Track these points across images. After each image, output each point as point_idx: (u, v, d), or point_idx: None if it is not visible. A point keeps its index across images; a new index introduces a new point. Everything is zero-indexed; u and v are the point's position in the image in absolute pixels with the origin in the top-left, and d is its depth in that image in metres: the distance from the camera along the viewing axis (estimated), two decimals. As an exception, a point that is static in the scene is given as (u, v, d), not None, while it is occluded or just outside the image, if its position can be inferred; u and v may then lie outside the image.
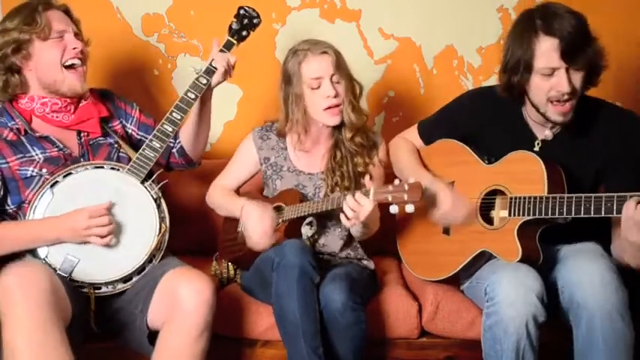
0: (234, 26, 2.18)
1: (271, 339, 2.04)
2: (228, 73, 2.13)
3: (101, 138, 2.08)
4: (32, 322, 1.61)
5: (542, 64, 1.82)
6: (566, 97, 1.83)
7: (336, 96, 2.10)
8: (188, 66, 2.66)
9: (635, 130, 1.92)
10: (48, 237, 1.85)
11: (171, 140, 2.13)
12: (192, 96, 2.07)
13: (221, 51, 2.15)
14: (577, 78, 1.83)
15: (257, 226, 2.06)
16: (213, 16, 2.68)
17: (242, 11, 2.19)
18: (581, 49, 1.79)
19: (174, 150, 2.25)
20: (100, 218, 1.83)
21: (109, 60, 2.68)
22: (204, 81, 2.09)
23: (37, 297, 1.62)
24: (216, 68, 2.10)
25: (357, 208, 1.87)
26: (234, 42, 2.18)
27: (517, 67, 1.86)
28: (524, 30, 1.85)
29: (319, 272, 1.93)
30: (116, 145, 2.08)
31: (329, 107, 2.10)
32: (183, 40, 2.74)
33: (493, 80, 2.11)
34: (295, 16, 2.71)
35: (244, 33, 2.20)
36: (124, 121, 2.19)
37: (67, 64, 1.98)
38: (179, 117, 2.06)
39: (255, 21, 2.20)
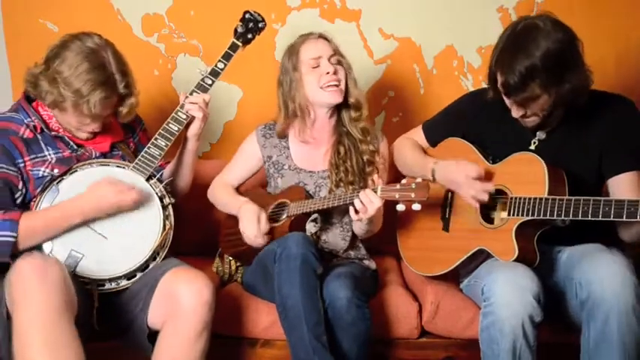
0: (240, 29, 2.18)
1: (272, 337, 2.05)
2: (205, 116, 2.08)
3: (115, 151, 2.08)
4: (48, 305, 1.62)
5: (501, 94, 1.89)
6: (526, 119, 1.89)
7: (335, 73, 2.13)
8: (188, 66, 2.72)
9: (627, 112, 1.94)
10: (78, 211, 1.85)
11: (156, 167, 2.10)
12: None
13: (194, 92, 2.10)
14: (534, 106, 1.84)
15: (250, 227, 2.08)
16: (213, 16, 2.69)
17: (248, 15, 2.20)
18: (524, 91, 1.79)
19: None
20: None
21: (109, 60, 2.67)
22: (176, 128, 2.04)
23: (52, 284, 1.65)
24: (188, 116, 2.06)
25: (367, 203, 1.89)
26: (240, 44, 2.18)
27: (492, 82, 1.91)
28: (500, 51, 1.84)
29: (322, 264, 1.93)
30: (127, 159, 2.07)
31: (328, 85, 2.12)
32: (183, 40, 2.74)
33: (493, 80, 2.12)
34: (295, 16, 2.71)
35: (249, 36, 2.20)
36: (136, 140, 2.19)
37: (77, 132, 1.97)
38: (184, 117, 2.05)
39: (260, 25, 2.21)
